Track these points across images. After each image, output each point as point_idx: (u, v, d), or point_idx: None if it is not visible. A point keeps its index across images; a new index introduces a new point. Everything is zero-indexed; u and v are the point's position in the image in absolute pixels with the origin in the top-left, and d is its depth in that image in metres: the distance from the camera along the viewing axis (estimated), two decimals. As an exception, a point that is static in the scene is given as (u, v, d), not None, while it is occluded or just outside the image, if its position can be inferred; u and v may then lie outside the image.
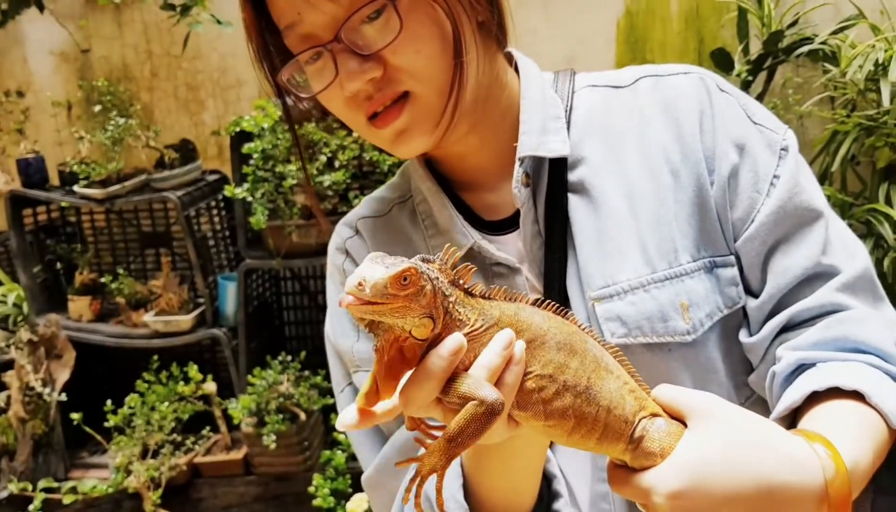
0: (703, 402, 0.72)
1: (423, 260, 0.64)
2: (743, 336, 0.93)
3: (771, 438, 0.70)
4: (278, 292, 3.42)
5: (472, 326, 0.66)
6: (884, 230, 2.33)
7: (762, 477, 0.67)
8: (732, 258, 0.93)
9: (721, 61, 2.71)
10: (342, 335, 1.03)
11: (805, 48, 2.57)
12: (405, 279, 0.60)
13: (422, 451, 0.67)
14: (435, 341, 0.65)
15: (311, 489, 2.78)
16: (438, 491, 0.67)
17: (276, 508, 2.99)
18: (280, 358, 2.96)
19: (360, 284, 0.59)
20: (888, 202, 2.38)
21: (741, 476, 0.67)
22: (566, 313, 0.72)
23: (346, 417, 0.68)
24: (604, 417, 0.70)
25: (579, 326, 0.72)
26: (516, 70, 1.01)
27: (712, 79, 0.97)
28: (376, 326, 0.63)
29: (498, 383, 0.66)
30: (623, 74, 1.02)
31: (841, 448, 0.70)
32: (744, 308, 0.93)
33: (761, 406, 0.92)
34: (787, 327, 0.90)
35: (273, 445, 2.77)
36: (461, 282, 0.67)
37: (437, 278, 0.64)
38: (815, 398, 0.80)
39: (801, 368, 0.85)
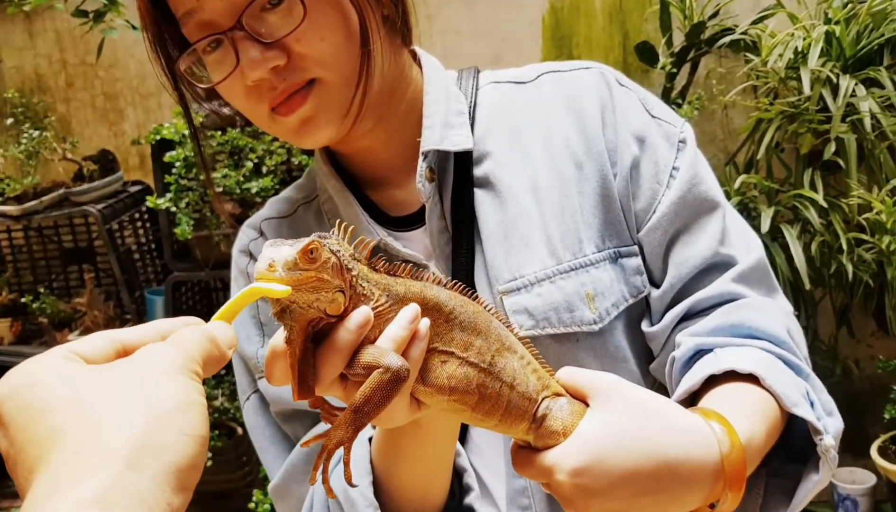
0: (604, 381, 0.72)
1: (320, 237, 0.62)
2: (645, 325, 0.94)
3: (669, 414, 0.71)
4: (209, 304, 3.30)
5: (376, 301, 0.64)
6: (810, 215, 2.37)
7: (661, 452, 0.67)
8: (636, 248, 0.94)
9: (645, 55, 2.73)
10: (246, 340, 0.99)
11: (727, 39, 2.59)
12: (312, 252, 0.58)
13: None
14: (342, 319, 0.63)
15: (252, 505, 2.70)
16: (346, 464, 0.65)
17: (215, 527, 2.91)
18: (213, 372, 2.88)
19: (270, 266, 0.57)
20: (813, 187, 2.42)
21: (641, 451, 0.67)
22: (472, 295, 0.71)
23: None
24: (507, 393, 0.69)
25: (485, 307, 0.71)
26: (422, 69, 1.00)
27: (612, 74, 0.99)
28: (287, 315, 0.61)
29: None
30: (526, 71, 1.03)
31: (736, 425, 0.71)
32: (646, 298, 0.94)
33: (663, 393, 0.94)
34: (687, 316, 0.91)
35: (210, 462, 2.69)
36: (363, 256, 0.66)
37: (339, 252, 0.62)
38: (712, 382, 0.81)
39: (699, 354, 0.87)
